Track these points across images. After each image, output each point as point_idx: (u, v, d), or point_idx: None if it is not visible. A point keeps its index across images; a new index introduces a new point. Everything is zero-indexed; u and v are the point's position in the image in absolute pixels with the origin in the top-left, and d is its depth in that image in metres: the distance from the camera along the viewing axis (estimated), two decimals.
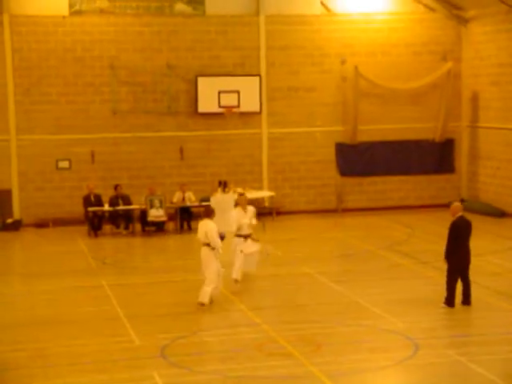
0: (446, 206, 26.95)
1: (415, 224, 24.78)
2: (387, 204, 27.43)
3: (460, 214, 15.36)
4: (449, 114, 27.47)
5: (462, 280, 15.31)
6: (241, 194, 18.82)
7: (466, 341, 13.47)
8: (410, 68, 27.34)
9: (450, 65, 27.20)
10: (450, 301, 15.18)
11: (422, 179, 27.90)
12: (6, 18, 25.08)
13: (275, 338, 13.67)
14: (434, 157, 27.87)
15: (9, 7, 25.09)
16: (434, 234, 22.22)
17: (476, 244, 20.57)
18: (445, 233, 15.31)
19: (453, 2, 27.31)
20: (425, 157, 27.77)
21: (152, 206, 23.94)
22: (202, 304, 15.52)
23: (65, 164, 25.78)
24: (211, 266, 15.62)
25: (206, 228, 15.74)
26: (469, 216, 15.91)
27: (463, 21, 27.51)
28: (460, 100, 27.87)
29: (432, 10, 27.54)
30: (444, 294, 15.28)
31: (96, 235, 24.00)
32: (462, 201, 27.48)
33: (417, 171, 27.83)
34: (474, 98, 27.42)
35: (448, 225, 15.25)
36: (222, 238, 16.00)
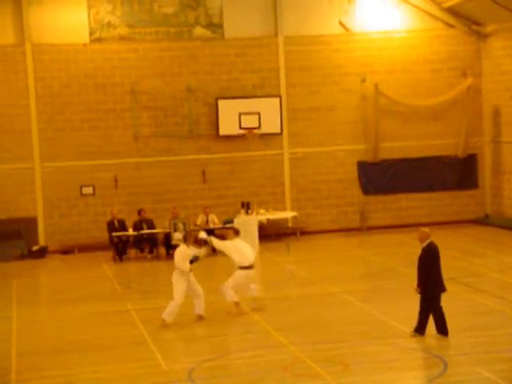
0: (471, 221, 27.01)
1: (439, 240, 24.31)
2: (411, 221, 27.22)
3: (430, 240, 14.60)
4: (470, 130, 27.38)
5: (434, 309, 14.37)
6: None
7: (494, 357, 13.32)
8: (430, 84, 27.31)
9: (470, 80, 27.16)
10: (420, 328, 14.47)
11: (445, 195, 27.76)
12: (28, 47, 25.39)
13: (302, 358, 13.61)
14: (457, 173, 27.75)
15: (30, 36, 25.38)
16: (459, 251, 22.02)
17: (501, 259, 20.48)
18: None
19: (471, 18, 27.30)
20: (447, 173, 27.65)
21: (176, 230, 23.99)
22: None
23: (89, 190, 25.94)
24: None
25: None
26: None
27: (482, 36, 27.48)
28: (481, 115, 27.78)
29: (451, 26, 27.53)
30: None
31: (121, 260, 24.10)
32: (487, 216, 27.43)
33: (440, 187, 27.71)
34: (496, 113, 27.31)
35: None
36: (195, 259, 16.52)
